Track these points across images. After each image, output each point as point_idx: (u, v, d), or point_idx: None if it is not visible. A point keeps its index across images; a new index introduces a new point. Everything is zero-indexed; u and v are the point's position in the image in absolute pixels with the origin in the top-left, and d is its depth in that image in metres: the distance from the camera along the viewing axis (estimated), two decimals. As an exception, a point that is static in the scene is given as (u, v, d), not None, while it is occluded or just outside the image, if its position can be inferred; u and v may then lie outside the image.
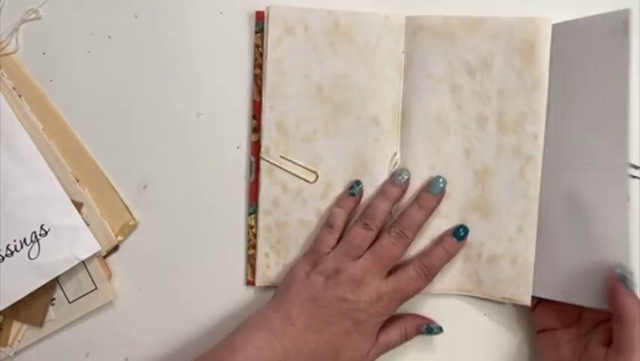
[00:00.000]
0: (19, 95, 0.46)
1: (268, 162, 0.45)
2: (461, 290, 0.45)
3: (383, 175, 0.45)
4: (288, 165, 0.45)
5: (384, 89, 0.45)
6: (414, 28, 0.45)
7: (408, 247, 0.43)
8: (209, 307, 0.46)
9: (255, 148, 0.46)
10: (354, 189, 0.44)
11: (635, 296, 0.38)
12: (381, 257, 0.41)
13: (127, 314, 0.47)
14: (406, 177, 0.44)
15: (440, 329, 0.44)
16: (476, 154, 0.44)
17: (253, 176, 0.46)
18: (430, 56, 0.45)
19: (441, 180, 0.43)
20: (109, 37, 0.47)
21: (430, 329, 0.44)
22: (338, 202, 0.44)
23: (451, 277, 0.45)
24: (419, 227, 0.43)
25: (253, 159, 0.46)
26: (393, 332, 0.43)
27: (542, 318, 0.44)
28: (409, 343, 0.45)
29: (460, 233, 0.44)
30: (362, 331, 0.41)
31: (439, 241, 0.44)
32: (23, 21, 0.47)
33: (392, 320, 0.43)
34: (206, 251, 0.47)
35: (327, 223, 0.44)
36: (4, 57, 0.46)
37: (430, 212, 0.43)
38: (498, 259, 0.44)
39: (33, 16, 0.47)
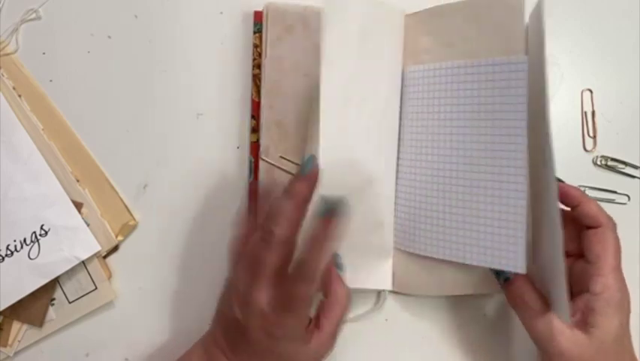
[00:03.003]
0: (19, 95, 0.46)
1: (267, 162, 0.45)
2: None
3: (382, 175, 0.45)
4: (287, 165, 0.45)
5: (384, 86, 0.45)
6: (412, 24, 0.45)
7: (286, 245, 0.34)
8: (208, 308, 0.46)
9: (255, 148, 0.46)
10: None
11: None
12: (251, 265, 0.34)
13: (127, 314, 0.47)
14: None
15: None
16: None
17: (253, 176, 0.46)
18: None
19: (310, 159, 0.35)
20: (109, 37, 0.47)
21: (338, 265, 0.38)
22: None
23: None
24: (291, 220, 0.34)
25: (252, 159, 0.46)
26: (333, 309, 0.37)
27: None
28: (408, 343, 0.45)
29: (324, 210, 0.34)
30: (272, 352, 0.35)
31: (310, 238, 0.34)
32: (23, 21, 0.47)
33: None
34: (206, 251, 0.47)
35: None
36: (4, 57, 0.46)
37: (300, 199, 0.34)
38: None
39: (33, 16, 0.47)
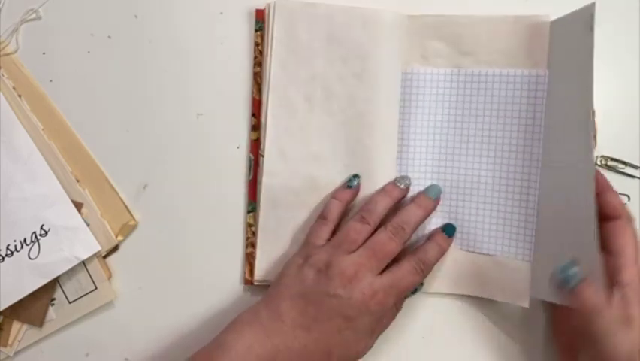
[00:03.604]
0: (19, 95, 0.46)
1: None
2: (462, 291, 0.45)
3: (384, 175, 0.45)
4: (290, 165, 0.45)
5: (386, 87, 0.45)
6: (417, 27, 0.45)
7: (404, 244, 0.41)
8: (208, 307, 0.46)
9: (255, 146, 0.46)
10: (351, 181, 0.44)
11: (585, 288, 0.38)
12: (376, 252, 0.40)
13: (127, 314, 0.47)
14: (408, 183, 0.44)
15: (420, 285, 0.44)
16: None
17: (252, 174, 0.46)
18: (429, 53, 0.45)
19: (438, 187, 0.45)
20: (109, 37, 0.47)
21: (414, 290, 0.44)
22: (334, 194, 0.44)
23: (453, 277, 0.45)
24: (417, 224, 0.42)
25: (252, 157, 0.46)
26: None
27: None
28: (408, 343, 0.45)
29: (449, 230, 0.44)
30: (355, 329, 0.39)
31: (430, 237, 0.44)
32: (23, 21, 0.47)
33: None
34: (206, 251, 0.47)
35: (321, 215, 0.43)
36: (4, 57, 0.46)
37: (427, 212, 0.43)
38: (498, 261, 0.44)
39: (33, 16, 0.47)
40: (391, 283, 0.40)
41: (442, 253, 0.43)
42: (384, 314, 0.40)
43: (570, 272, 0.38)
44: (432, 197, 0.44)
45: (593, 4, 0.38)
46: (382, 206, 0.42)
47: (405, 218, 0.42)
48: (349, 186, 0.44)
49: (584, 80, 0.38)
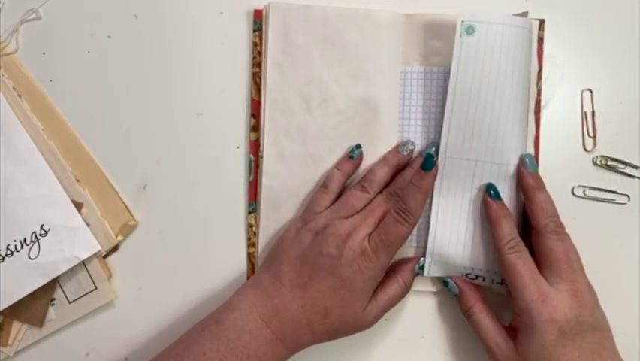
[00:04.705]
0: (19, 95, 0.46)
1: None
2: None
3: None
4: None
5: (384, 87, 0.45)
6: (414, 26, 0.45)
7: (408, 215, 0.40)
8: (209, 307, 0.46)
9: (255, 147, 0.46)
10: (353, 152, 0.44)
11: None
12: (373, 211, 0.41)
13: (127, 314, 0.47)
14: (411, 148, 0.44)
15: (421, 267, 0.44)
16: None
17: (252, 175, 0.46)
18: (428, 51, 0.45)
19: (435, 143, 0.43)
20: (109, 37, 0.47)
21: (421, 266, 0.44)
22: (336, 165, 0.45)
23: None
24: (420, 205, 0.41)
25: (252, 157, 0.46)
26: (391, 287, 0.42)
27: None
28: (408, 343, 0.45)
29: (426, 163, 0.41)
30: (350, 288, 0.39)
31: (408, 179, 0.42)
32: (23, 21, 0.47)
33: (388, 275, 0.42)
34: (206, 251, 0.47)
35: (323, 184, 0.44)
36: (4, 57, 0.46)
37: (428, 192, 0.42)
38: None
39: (33, 16, 0.47)
40: (380, 239, 0.40)
41: (424, 193, 0.41)
42: (378, 273, 0.41)
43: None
44: (430, 173, 0.42)
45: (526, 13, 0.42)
46: (381, 175, 0.43)
47: (399, 183, 0.42)
48: (351, 157, 0.44)
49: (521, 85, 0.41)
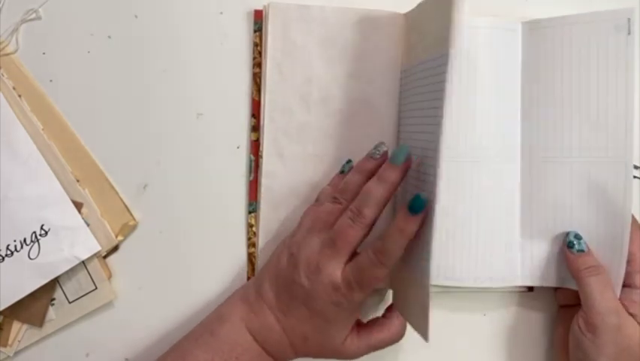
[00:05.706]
0: (19, 95, 0.46)
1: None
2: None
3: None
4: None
5: (383, 86, 0.45)
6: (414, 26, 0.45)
7: (369, 227, 0.38)
8: (209, 307, 0.46)
9: (255, 147, 0.46)
10: (344, 167, 0.44)
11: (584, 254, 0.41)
12: (335, 241, 0.38)
13: (127, 314, 0.47)
14: (383, 149, 0.40)
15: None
16: None
17: (253, 175, 0.46)
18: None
19: (404, 149, 0.38)
20: (109, 37, 0.47)
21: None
22: (329, 182, 0.45)
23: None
24: (379, 204, 0.37)
25: (253, 157, 0.46)
26: (380, 332, 0.41)
27: (563, 294, 0.45)
28: (408, 343, 0.45)
29: (415, 205, 0.36)
30: (325, 319, 0.38)
31: (393, 219, 0.37)
32: (23, 21, 0.47)
33: (384, 316, 0.42)
34: (207, 251, 0.47)
35: (316, 199, 0.44)
36: (4, 57, 0.46)
37: (391, 186, 0.37)
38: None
39: (33, 16, 0.47)
40: (352, 277, 0.37)
41: (406, 237, 0.36)
42: (353, 307, 0.39)
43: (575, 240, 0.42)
44: (397, 164, 0.38)
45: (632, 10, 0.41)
46: (353, 183, 0.40)
47: (363, 199, 0.38)
48: (342, 172, 0.44)
49: (622, 81, 0.42)
